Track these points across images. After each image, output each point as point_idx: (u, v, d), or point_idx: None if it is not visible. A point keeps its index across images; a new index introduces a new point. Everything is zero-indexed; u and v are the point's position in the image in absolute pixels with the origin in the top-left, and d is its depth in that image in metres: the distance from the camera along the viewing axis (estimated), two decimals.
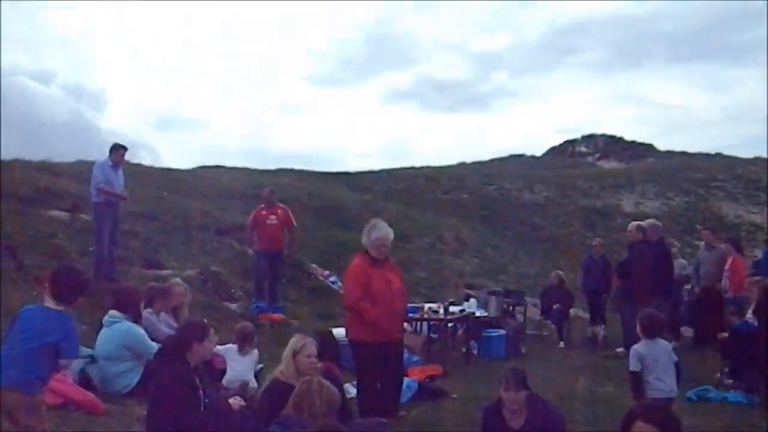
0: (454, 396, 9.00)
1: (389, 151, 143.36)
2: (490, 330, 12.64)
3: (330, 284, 15.82)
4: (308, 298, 14.80)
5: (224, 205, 18.77)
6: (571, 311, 15.61)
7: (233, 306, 12.89)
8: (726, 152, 49.81)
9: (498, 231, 25.33)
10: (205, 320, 6.27)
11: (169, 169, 25.37)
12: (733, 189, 32.62)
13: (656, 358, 6.84)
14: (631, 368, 6.91)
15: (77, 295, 4.90)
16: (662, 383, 6.78)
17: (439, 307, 11.43)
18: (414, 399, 8.47)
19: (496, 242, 23.66)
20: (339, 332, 11.12)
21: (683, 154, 49.08)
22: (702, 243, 14.90)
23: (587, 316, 16.28)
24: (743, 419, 8.31)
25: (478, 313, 12.60)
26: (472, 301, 13.69)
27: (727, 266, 13.08)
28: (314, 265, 16.09)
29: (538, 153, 53.94)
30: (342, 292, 9.17)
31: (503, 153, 52.23)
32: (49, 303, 4.79)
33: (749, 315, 10.52)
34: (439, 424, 7.75)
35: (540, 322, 15.63)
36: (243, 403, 5.56)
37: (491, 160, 49.13)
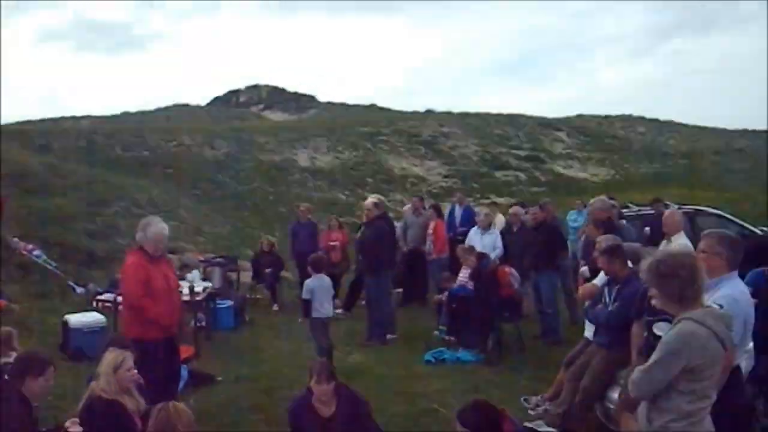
0: (220, 378, 9.20)
1: (45, 97, 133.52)
2: (219, 301, 12.80)
3: (35, 258, 14.88)
4: (16, 276, 13.82)
5: None
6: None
7: None
8: (380, 103, 53.46)
9: (185, 190, 25.08)
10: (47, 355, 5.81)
11: None
12: (396, 143, 35.16)
13: (321, 290, 9.51)
14: (303, 296, 9.65)
15: None
16: (322, 307, 9.50)
17: (180, 287, 11.31)
18: (187, 386, 8.55)
19: (186, 202, 23.44)
20: (76, 319, 10.76)
21: (343, 105, 51.69)
22: (408, 207, 16.19)
23: (293, 277, 17.00)
24: (480, 376, 9.45)
25: (204, 285, 12.66)
26: (195, 272, 13.70)
27: (430, 230, 14.43)
28: (16, 239, 14.97)
29: (203, 102, 53.76)
30: (121, 290, 8.85)
31: (166, 100, 51.13)
32: None
33: (463, 278, 11.77)
34: (222, 413, 7.94)
35: (252, 286, 16.01)
36: (80, 429, 5.35)
37: (156, 110, 48.10)
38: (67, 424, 5.33)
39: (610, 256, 7.47)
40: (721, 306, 4.47)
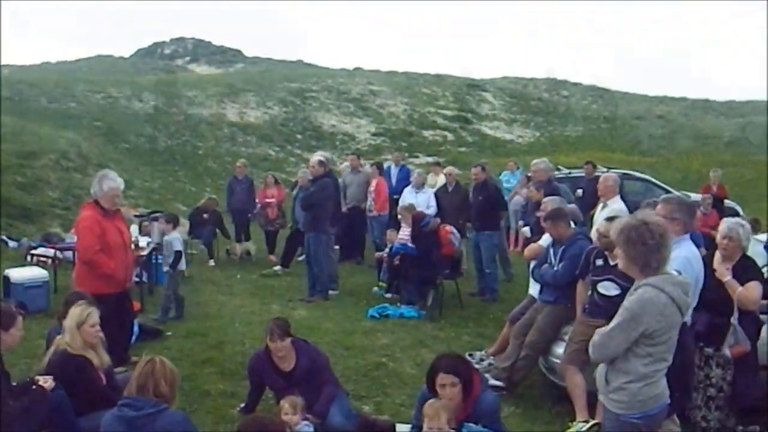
0: (169, 333, 9.27)
1: None
2: (159, 257, 12.74)
3: None
4: None
5: None
6: None
7: None
8: (306, 59, 53.12)
9: (114, 143, 24.65)
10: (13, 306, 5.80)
11: None
12: (325, 100, 35.09)
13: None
14: (176, 248, 10.53)
15: None
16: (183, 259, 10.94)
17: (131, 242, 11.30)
18: (137, 341, 8.61)
19: (115, 156, 23.07)
20: (17, 274, 10.64)
21: (270, 60, 51.16)
22: (346, 165, 16.31)
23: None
24: (423, 331, 9.74)
25: (147, 240, 12.62)
26: (134, 228, 13.60)
27: (371, 188, 14.57)
28: None
29: (126, 54, 52.38)
30: (75, 244, 8.78)
31: (88, 51, 49.88)
32: None
33: (403, 235, 11.99)
34: (179, 366, 7.99)
35: (187, 242, 15.93)
36: (53, 383, 5.40)
37: (79, 60, 46.81)
38: (39, 379, 5.40)
39: (555, 219, 7.76)
40: (679, 272, 4.73)
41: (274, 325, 6.42)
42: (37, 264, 12.38)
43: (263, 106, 33.17)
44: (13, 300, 10.02)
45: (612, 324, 4.18)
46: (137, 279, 11.78)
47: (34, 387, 5.28)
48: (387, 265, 11.90)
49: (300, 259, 13.92)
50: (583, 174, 16.02)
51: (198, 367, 7.96)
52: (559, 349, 7.18)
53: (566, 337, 7.10)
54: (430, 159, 27.55)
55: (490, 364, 8.27)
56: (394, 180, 16.07)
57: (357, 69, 44.48)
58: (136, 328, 8.66)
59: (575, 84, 50.20)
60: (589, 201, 13.53)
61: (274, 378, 6.48)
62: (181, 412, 4.96)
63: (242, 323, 9.76)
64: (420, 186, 13.70)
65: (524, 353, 7.60)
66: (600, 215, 8.70)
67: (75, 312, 5.89)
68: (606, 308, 5.84)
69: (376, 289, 12.12)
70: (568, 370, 6.71)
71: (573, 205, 9.47)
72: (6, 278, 10.48)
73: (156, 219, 14.39)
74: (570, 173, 16.66)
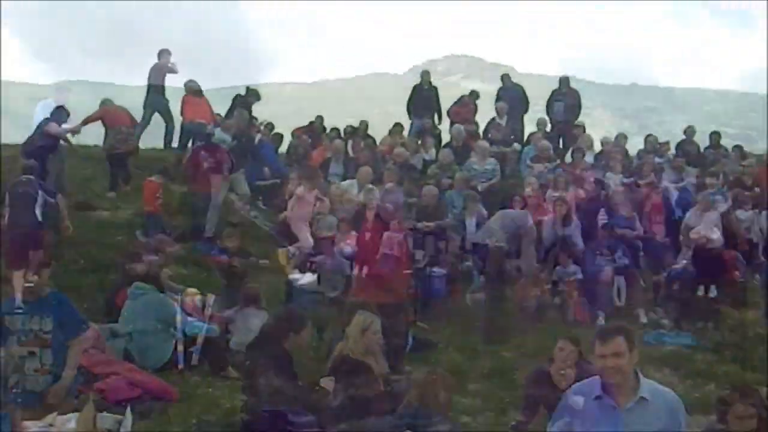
0: (440, 345, 9.40)
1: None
2: (433, 270, 12.96)
3: (252, 219, 15.57)
4: (234, 235, 14.53)
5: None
6: None
7: (175, 247, 12.55)
8: (578, 75, 52.27)
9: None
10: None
11: None
12: (600, 116, 34.40)
13: None
14: None
15: None
16: None
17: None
18: (410, 351, 8.79)
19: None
20: (300, 279, 11.29)
21: (541, 76, 50.96)
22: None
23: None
24: (702, 361, 9.19)
25: (421, 253, 12.88)
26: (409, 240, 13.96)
27: (646, 209, 13.92)
28: (236, 199, 15.70)
29: (400, 72, 54.45)
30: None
31: (363, 69, 52.41)
32: None
33: (684, 259, 11.40)
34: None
35: (458, 257, 16.06)
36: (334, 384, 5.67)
37: (355, 77, 49.31)
38: (323, 381, 5.66)
39: None
40: None
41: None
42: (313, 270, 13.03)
43: (532, 123, 32.93)
44: (296, 304, 10.66)
45: None
46: (413, 290, 12.13)
47: (317, 388, 5.53)
48: (665, 289, 11.34)
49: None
50: None
51: (470, 380, 7.99)
52: None
53: None
54: (711, 180, 25.94)
55: None
56: (673, 201, 15.28)
57: (633, 85, 43.07)
58: (409, 339, 8.85)
59: None
60: None
61: (548, 394, 6.33)
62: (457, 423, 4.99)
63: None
64: (706, 208, 12.92)
65: None
66: None
67: (359, 319, 6.13)
68: None
69: (652, 314, 11.57)
70: None
71: None
72: (289, 283, 11.11)
73: (431, 233, 14.72)
74: None
